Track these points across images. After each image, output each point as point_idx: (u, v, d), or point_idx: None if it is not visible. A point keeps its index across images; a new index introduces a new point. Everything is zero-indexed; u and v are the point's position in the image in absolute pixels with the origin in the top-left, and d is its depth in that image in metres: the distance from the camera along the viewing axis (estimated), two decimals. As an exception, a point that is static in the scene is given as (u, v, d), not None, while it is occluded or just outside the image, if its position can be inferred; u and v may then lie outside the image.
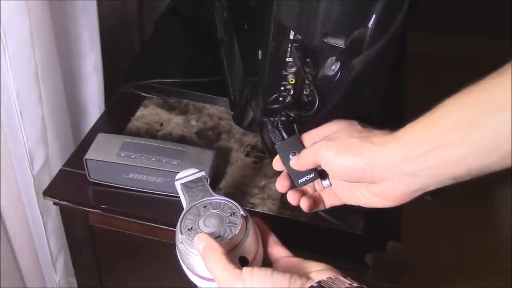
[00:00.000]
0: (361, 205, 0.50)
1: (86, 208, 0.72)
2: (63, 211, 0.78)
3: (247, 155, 0.80)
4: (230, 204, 0.48)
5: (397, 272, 0.64)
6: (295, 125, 0.55)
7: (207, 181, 0.53)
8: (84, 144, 0.77)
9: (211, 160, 0.71)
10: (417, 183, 0.43)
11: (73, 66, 0.87)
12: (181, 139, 0.82)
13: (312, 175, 0.52)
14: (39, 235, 0.89)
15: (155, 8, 1.23)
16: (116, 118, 0.88)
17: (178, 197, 0.68)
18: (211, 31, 0.96)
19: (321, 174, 0.53)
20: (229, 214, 0.47)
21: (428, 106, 0.42)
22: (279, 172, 0.55)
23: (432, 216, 1.51)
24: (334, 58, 0.54)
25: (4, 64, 0.67)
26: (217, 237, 0.45)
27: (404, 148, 0.42)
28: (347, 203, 0.52)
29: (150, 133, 0.83)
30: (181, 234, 0.46)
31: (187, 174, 0.54)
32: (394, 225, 0.70)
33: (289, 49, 0.55)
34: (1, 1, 0.62)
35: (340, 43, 0.50)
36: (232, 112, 0.84)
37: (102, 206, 0.71)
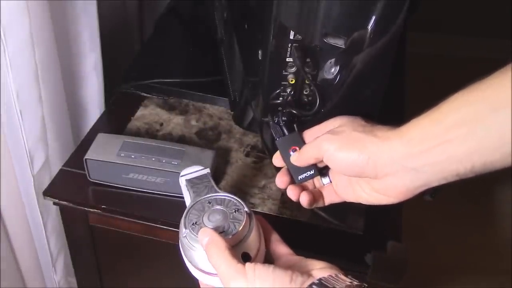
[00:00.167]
0: (362, 202, 0.50)
1: (86, 208, 0.72)
2: (63, 211, 0.78)
3: (247, 155, 0.80)
4: (234, 201, 0.49)
5: (397, 272, 0.64)
6: (295, 125, 0.56)
7: (211, 178, 0.54)
8: (84, 144, 0.77)
9: (211, 160, 0.71)
10: (421, 179, 0.43)
11: (73, 66, 0.87)
12: (181, 139, 0.82)
13: (312, 172, 0.52)
14: (39, 235, 0.89)
15: (155, 8, 1.23)
16: (116, 118, 0.88)
17: (178, 197, 0.68)
18: (211, 31, 0.96)
19: (321, 171, 0.53)
20: (233, 210, 0.47)
21: (428, 106, 0.42)
22: (278, 173, 0.55)
23: (432, 215, 1.51)
24: (333, 61, 0.54)
25: (4, 64, 0.67)
26: (220, 232, 0.45)
27: (408, 144, 0.42)
28: (347, 200, 0.52)
29: (150, 133, 0.83)
30: (185, 228, 0.46)
31: (192, 171, 0.54)
32: (394, 225, 0.70)
33: (289, 49, 0.55)
34: (1, 1, 0.62)
35: (340, 43, 0.50)
36: (232, 112, 0.84)
37: (102, 206, 0.71)
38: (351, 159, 0.45)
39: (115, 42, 1.04)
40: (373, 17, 0.47)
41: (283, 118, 0.57)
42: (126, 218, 0.71)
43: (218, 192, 0.50)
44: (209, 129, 0.85)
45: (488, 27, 2.21)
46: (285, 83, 0.58)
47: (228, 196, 0.49)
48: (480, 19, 2.21)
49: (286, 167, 0.54)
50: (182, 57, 1.02)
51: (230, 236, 0.44)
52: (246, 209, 0.47)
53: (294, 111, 0.57)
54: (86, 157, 0.70)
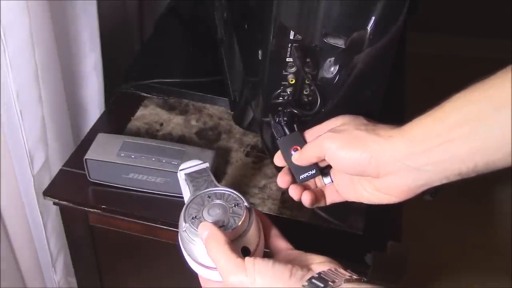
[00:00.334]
0: (363, 201, 0.50)
1: (86, 208, 0.72)
2: (63, 211, 0.78)
3: (247, 155, 0.80)
4: (234, 195, 0.49)
5: (397, 272, 0.64)
6: (295, 125, 0.56)
7: (211, 172, 0.53)
8: (84, 144, 0.77)
9: (211, 160, 0.71)
10: (423, 178, 0.43)
11: (73, 66, 0.87)
12: (181, 139, 0.82)
13: (313, 171, 0.52)
14: (39, 235, 0.89)
15: (155, 8, 1.23)
16: (116, 118, 0.88)
17: (178, 197, 0.68)
18: (211, 31, 0.96)
19: (322, 171, 0.53)
20: (233, 205, 0.47)
21: (428, 106, 0.42)
22: (279, 172, 0.55)
23: (432, 215, 1.51)
24: (332, 59, 0.54)
25: (4, 64, 0.67)
26: (220, 226, 0.45)
27: (410, 143, 0.42)
28: (348, 200, 0.52)
29: (150, 133, 0.83)
30: (185, 222, 0.46)
31: (192, 165, 0.54)
32: (394, 225, 0.70)
33: (289, 49, 0.55)
34: (1, 1, 0.62)
35: (340, 43, 0.50)
36: (232, 112, 0.84)
37: (102, 206, 0.71)
38: (354, 157, 0.45)
39: (115, 42, 1.04)
40: (373, 17, 0.47)
41: (284, 118, 0.57)
42: (126, 218, 0.71)
43: (217, 187, 0.50)
44: (209, 129, 0.85)
45: (488, 27, 2.21)
46: (285, 83, 0.58)
47: (227, 191, 0.49)
48: (480, 19, 2.21)
49: (287, 166, 0.54)
50: (182, 57, 1.02)
51: (230, 231, 0.44)
52: (245, 203, 0.47)
53: (295, 111, 0.57)
54: (86, 157, 0.70)
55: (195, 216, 0.47)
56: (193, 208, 0.48)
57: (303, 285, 0.39)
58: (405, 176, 0.44)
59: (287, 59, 0.56)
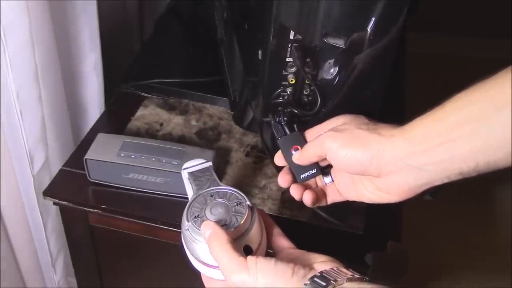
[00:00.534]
0: (364, 201, 0.50)
1: (86, 208, 0.72)
2: (63, 211, 0.78)
3: (247, 155, 0.80)
4: (237, 194, 0.49)
5: (397, 272, 0.64)
6: (295, 125, 0.56)
7: (214, 171, 0.54)
8: (84, 144, 0.77)
9: (211, 160, 0.71)
10: (424, 178, 0.43)
11: (73, 66, 0.87)
12: (181, 139, 0.82)
13: (314, 171, 0.52)
14: (39, 235, 0.89)
15: (155, 8, 1.23)
16: (116, 118, 0.88)
17: (178, 197, 0.68)
18: (211, 31, 0.96)
19: (323, 170, 0.53)
20: (236, 204, 0.47)
21: (428, 106, 0.42)
22: (279, 172, 0.55)
23: (432, 215, 1.51)
24: (332, 61, 0.54)
25: (4, 64, 0.67)
26: (223, 225, 0.45)
27: (412, 142, 0.42)
28: (349, 199, 0.52)
29: (150, 133, 0.83)
30: (187, 221, 0.47)
31: (195, 164, 0.54)
32: (394, 225, 0.70)
33: (289, 49, 0.55)
34: (1, 1, 0.62)
35: (340, 43, 0.50)
36: (232, 112, 0.84)
37: (102, 206, 0.71)
38: (355, 157, 0.45)
39: (115, 42, 1.04)
40: (373, 17, 0.47)
41: (284, 118, 0.57)
42: (126, 218, 0.71)
43: (220, 185, 0.51)
44: (209, 129, 0.85)
45: (488, 27, 2.21)
46: (285, 83, 0.58)
47: (230, 190, 0.49)
48: (480, 19, 2.21)
49: (287, 166, 0.54)
50: (182, 57, 1.02)
51: (232, 229, 0.45)
52: (248, 202, 0.48)
53: (295, 111, 0.57)
54: (86, 157, 0.70)
55: (198, 215, 0.47)
56: (195, 207, 0.48)
57: (305, 284, 0.39)
58: (406, 176, 0.44)
59: (287, 59, 0.56)
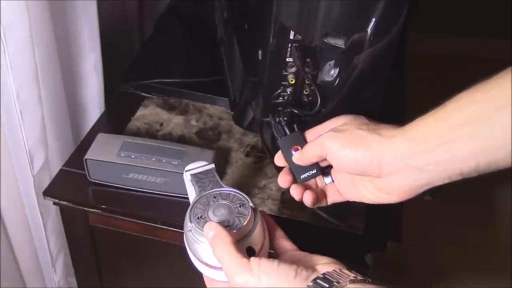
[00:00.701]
0: (364, 201, 0.50)
1: (86, 208, 0.72)
2: (63, 211, 0.78)
3: (247, 155, 0.80)
4: (239, 196, 0.49)
5: (397, 272, 0.64)
6: (295, 125, 0.56)
7: (216, 173, 0.54)
8: (84, 144, 0.77)
9: (211, 160, 0.71)
10: (424, 178, 0.43)
11: (73, 66, 0.87)
12: (181, 139, 0.82)
13: (314, 171, 0.52)
14: (39, 235, 0.89)
15: (155, 8, 1.23)
16: (116, 118, 0.88)
17: (178, 197, 0.68)
18: (211, 31, 0.96)
19: (323, 171, 0.53)
20: (238, 205, 0.47)
21: (428, 106, 0.42)
22: (279, 173, 0.55)
23: (432, 215, 1.51)
24: (332, 63, 0.54)
25: (4, 64, 0.67)
26: (225, 226, 0.45)
27: (412, 142, 0.42)
28: (350, 200, 0.52)
29: (150, 133, 0.83)
30: (190, 222, 0.47)
31: (197, 166, 0.55)
32: (394, 225, 0.70)
33: (289, 49, 0.55)
34: (1, 1, 0.62)
35: (340, 43, 0.50)
36: (232, 112, 0.84)
37: (102, 206, 0.71)
38: (355, 157, 0.45)
39: (115, 42, 1.04)
40: (373, 17, 0.47)
41: (284, 118, 0.57)
42: (126, 218, 0.71)
43: (223, 187, 0.51)
44: (209, 129, 0.85)
45: (488, 27, 2.21)
46: (285, 83, 0.58)
47: (233, 191, 0.49)
48: (480, 19, 2.21)
49: (287, 166, 0.54)
50: (182, 57, 1.02)
51: (235, 231, 0.45)
52: (251, 204, 0.48)
53: (295, 111, 0.57)
54: (86, 157, 0.70)
55: (201, 216, 0.47)
56: (198, 208, 0.48)
57: (308, 285, 0.39)
58: (406, 176, 0.44)
59: (287, 59, 0.56)
